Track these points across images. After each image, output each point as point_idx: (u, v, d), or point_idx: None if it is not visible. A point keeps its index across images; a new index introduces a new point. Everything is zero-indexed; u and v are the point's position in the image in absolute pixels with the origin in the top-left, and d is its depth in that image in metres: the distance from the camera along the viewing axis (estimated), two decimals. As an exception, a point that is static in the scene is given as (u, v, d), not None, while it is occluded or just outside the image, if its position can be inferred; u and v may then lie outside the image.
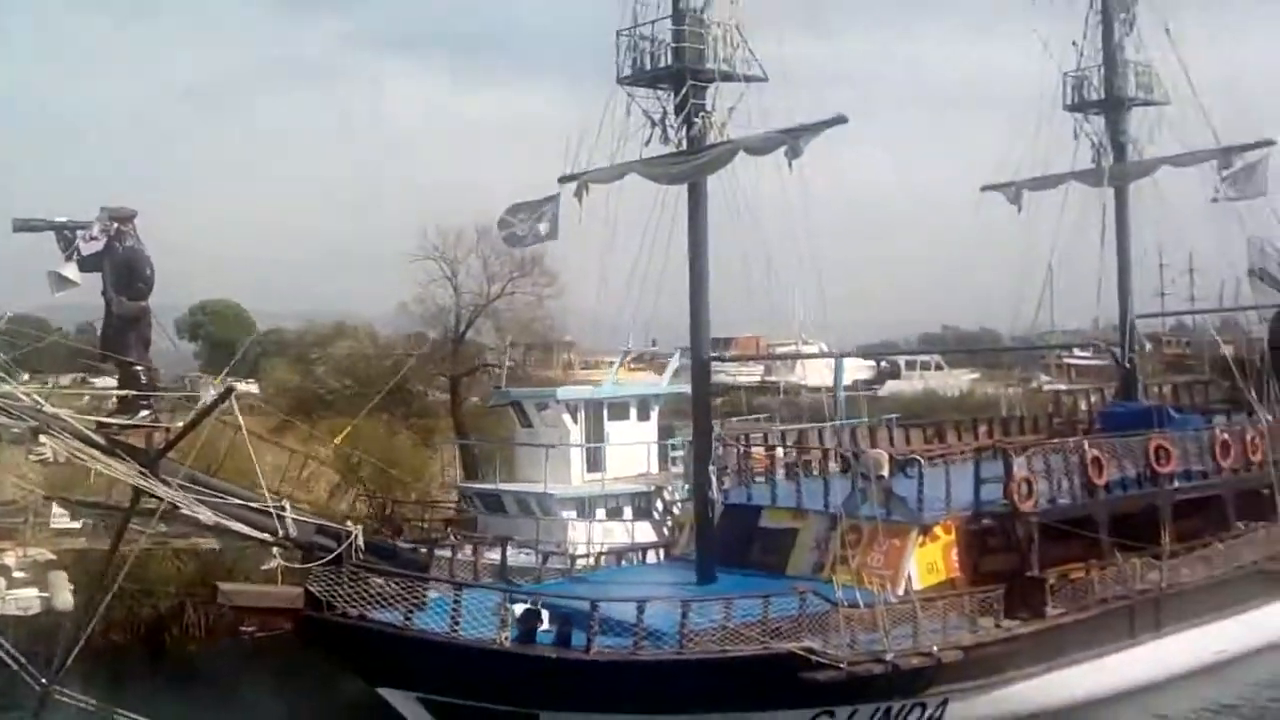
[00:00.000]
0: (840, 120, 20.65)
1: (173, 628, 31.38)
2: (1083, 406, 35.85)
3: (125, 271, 16.44)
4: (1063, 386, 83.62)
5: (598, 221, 24.84)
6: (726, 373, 58.82)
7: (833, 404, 25.05)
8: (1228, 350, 30.31)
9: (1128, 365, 31.99)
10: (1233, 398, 34.18)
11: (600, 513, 29.28)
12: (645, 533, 29.37)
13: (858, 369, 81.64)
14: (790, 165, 21.08)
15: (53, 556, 27.22)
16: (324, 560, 17.21)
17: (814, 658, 19.17)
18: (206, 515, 15.95)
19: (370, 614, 17.97)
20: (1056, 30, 32.39)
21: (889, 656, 19.96)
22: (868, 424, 32.49)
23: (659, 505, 30.13)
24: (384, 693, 19.06)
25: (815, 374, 46.21)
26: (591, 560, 25.80)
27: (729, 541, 24.07)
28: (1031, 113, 31.93)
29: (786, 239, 21.70)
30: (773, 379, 65.47)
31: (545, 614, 19.05)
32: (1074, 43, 32.61)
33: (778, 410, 40.47)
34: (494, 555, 24.61)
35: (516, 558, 25.27)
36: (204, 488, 16.85)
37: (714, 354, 30.50)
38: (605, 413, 30.59)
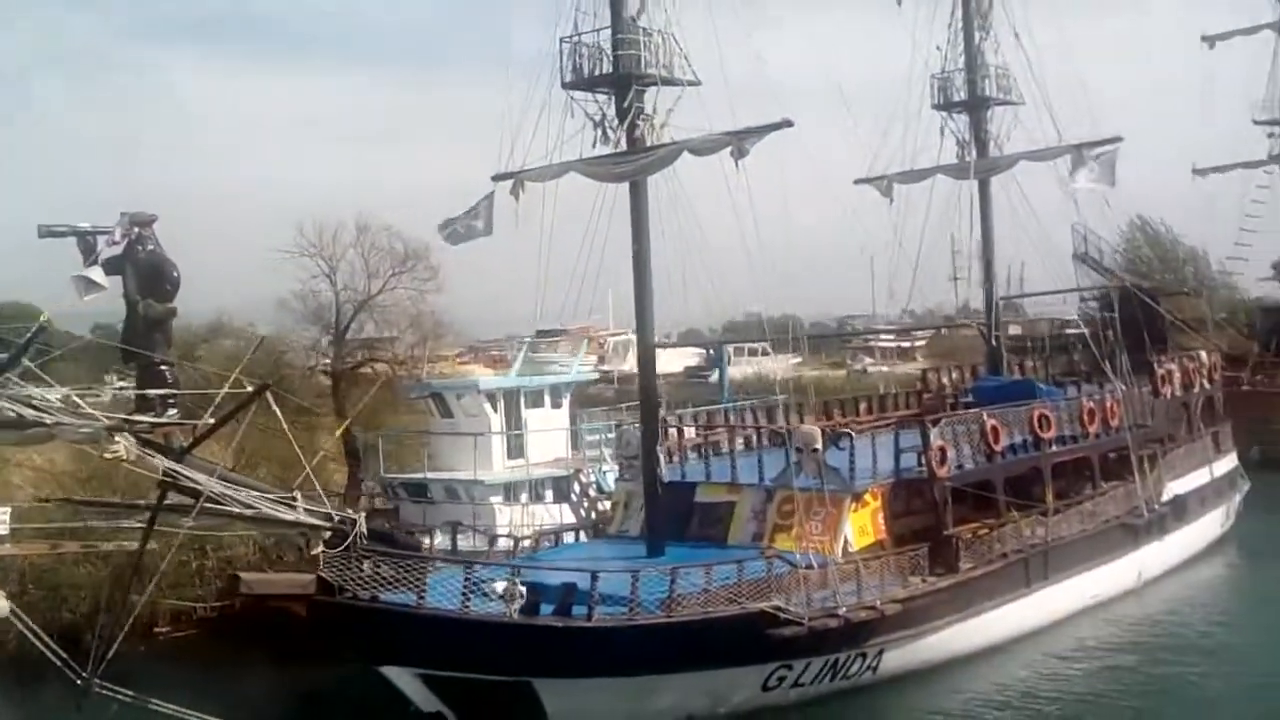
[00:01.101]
0: (786, 124, 22.57)
1: (88, 633, 31.14)
2: (944, 382, 38.95)
3: (151, 275, 16.97)
4: (885, 368, 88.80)
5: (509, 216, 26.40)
6: (560, 363, 60.48)
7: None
8: (1085, 329, 33.56)
9: (994, 343, 35.06)
10: (1073, 370, 37.94)
11: (524, 497, 30.54)
12: (565, 514, 30.76)
13: (687, 356, 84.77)
14: (737, 165, 22.83)
15: None
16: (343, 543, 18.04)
17: (781, 615, 21.07)
18: (242, 507, 16.66)
19: (381, 596, 18.93)
20: (921, 36, 35.32)
21: (842, 611, 22.05)
22: (759, 404, 34.84)
23: (576, 488, 31.52)
24: (387, 670, 19.97)
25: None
26: (531, 542, 27.04)
27: (667, 517, 25.75)
28: (900, 111, 34.79)
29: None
30: (607, 368, 67.70)
31: (523, 588, 20.33)
32: (938, 47, 35.56)
33: (613, 400, 42.41)
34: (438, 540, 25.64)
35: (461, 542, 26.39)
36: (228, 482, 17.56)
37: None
38: (522, 401, 31.83)
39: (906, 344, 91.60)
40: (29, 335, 15.05)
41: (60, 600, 30.17)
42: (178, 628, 31.75)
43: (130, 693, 17.98)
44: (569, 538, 28.34)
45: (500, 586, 20.50)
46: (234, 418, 16.71)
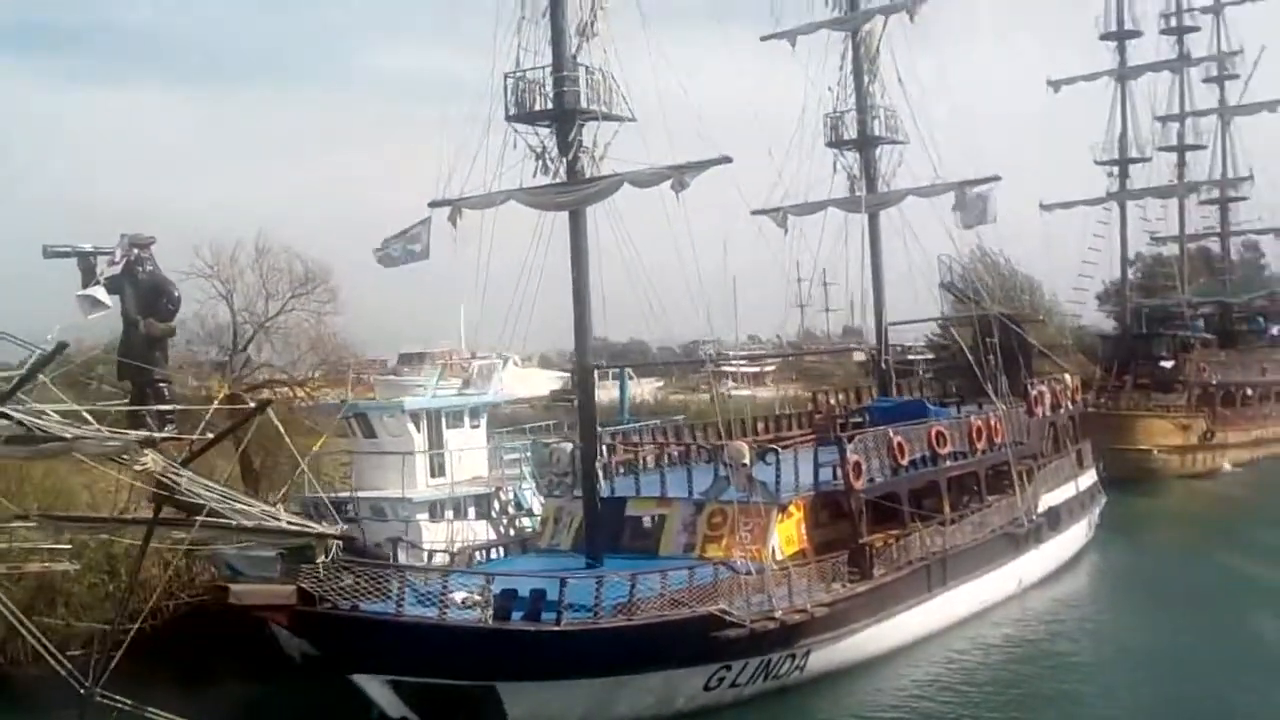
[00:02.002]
0: (725, 160, 24.24)
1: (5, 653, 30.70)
2: (832, 403, 41.18)
3: (151, 294, 17.60)
4: (745, 391, 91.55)
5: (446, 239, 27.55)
6: (424, 387, 61.25)
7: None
8: (967, 351, 36.11)
9: (884, 366, 37.39)
10: (946, 391, 40.60)
11: (449, 514, 31.34)
12: (485, 531, 31.70)
13: (551, 380, 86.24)
14: (678, 196, 24.40)
15: None
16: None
17: (727, 618, 22.57)
18: (242, 519, 17.30)
19: (359, 605, 19.75)
20: (814, 76, 37.58)
21: (778, 614, 23.67)
22: (663, 424, 36.51)
23: (496, 505, 32.50)
24: (357, 679, 20.71)
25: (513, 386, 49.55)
26: (465, 557, 27.90)
27: (600, 530, 26.99)
28: (794, 147, 36.93)
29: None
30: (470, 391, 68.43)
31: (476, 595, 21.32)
32: (830, 88, 37.86)
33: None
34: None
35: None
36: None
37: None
38: (444, 421, 32.64)
39: (757, 369, 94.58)
40: (50, 352, 15.47)
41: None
42: (89, 650, 31.54)
43: (130, 701, 18.39)
44: (492, 554, 29.32)
45: (459, 596, 21.49)
46: (234, 432, 17.39)
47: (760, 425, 38.00)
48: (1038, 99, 64.55)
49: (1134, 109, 64.43)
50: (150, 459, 15.69)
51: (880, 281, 37.78)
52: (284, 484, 34.47)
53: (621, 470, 29.74)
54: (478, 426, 33.91)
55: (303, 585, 19.57)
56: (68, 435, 15.68)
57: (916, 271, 35.77)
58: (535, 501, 33.25)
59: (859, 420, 36.67)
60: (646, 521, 27.35)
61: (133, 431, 15.75)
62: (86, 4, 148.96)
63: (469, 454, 33.00)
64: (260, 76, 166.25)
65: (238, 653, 27.58)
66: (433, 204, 27.43)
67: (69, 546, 28.07)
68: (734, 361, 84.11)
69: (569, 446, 28.93)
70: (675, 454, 30.39)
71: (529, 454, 33.75)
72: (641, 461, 30.46)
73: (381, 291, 34.59)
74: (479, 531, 31.48)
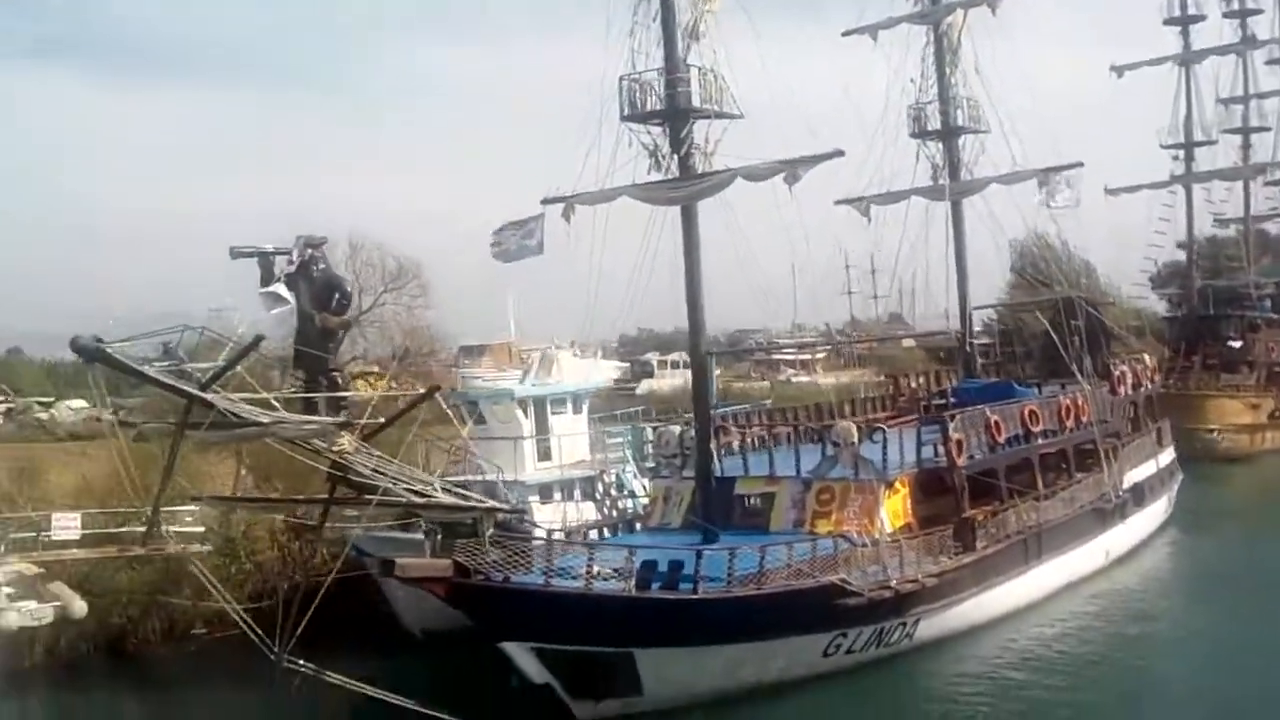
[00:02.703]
0: (838, 154, 25.50)
1: (133, 636, 32.42)
2: (913, 385, 42.30)
3: (325, 291, 19.08)
4: (805, 378, 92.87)
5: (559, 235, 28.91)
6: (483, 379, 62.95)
7: None
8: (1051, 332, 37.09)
9: (968, 349, 38.49)
10: (1023, 372, 41.53)
11: (557, 495, 32.84)
12: (591, 512, 33.15)
13: (607, 370, 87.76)
14: (790, 190, 25.67)
15: (39, 570, 28.64)
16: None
17: (847, 587, 23.87)
18: (416, 497, 18.80)
19: (511, 578, 21.21)
20: (898, 68, 38.68)
21: (893, 584, 24.95)
22: (753, 409, 37.81)
23: (600, 487, 33.93)
24: (506, 646, 22.16)
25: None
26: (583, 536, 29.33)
27: (708, 508, 28.35)
28: (877, 138, 38.02)
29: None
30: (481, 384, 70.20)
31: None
32: (911, 80, 38.95)
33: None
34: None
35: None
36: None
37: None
38: (549, 408, 34.14)
39: (806, 356, 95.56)
40: (247, 344, 16.99)
41: (111, 604, 31.50)
42: (213, 629, 33.32)
43: (313, 666, 20.08)
44: (602, 533, 30.73)
45: (595, 569, 22.88)
46: (407, 414, 18.87)
47: (846, 408, 39.17)
48: (1100, 86, 65.14)
49: (1198, 92, 64.94)
50: (346, 440, 17.20)
51: (964, 267, 38.86)
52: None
53: (725, 451, 31.05)
54: (580, 412, 35.38)
55: (458, 559, 21.04)
56: (266, 420, 17.24)
57: (989, 258, 36.70)
58: (636, 483, 34.71)
59: (941, 403, 37.81)
60: (755, 500, 28.64)
61: (325, 417, 17.17)
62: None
63: (573, 439, 34.47)
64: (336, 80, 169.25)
65: (359, 630, 29.54)
66: (545, 200, 28.83)
67: (202, 529, 30.07)
68: (819, 348, 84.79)
69: (677, 429, 30.37)
70: (783, 435, 31.62)
71: (629, 439, 35.28)
72: (747, 443, 31.74)
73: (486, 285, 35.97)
74: (585, 512, 32.94)
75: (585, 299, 28.06)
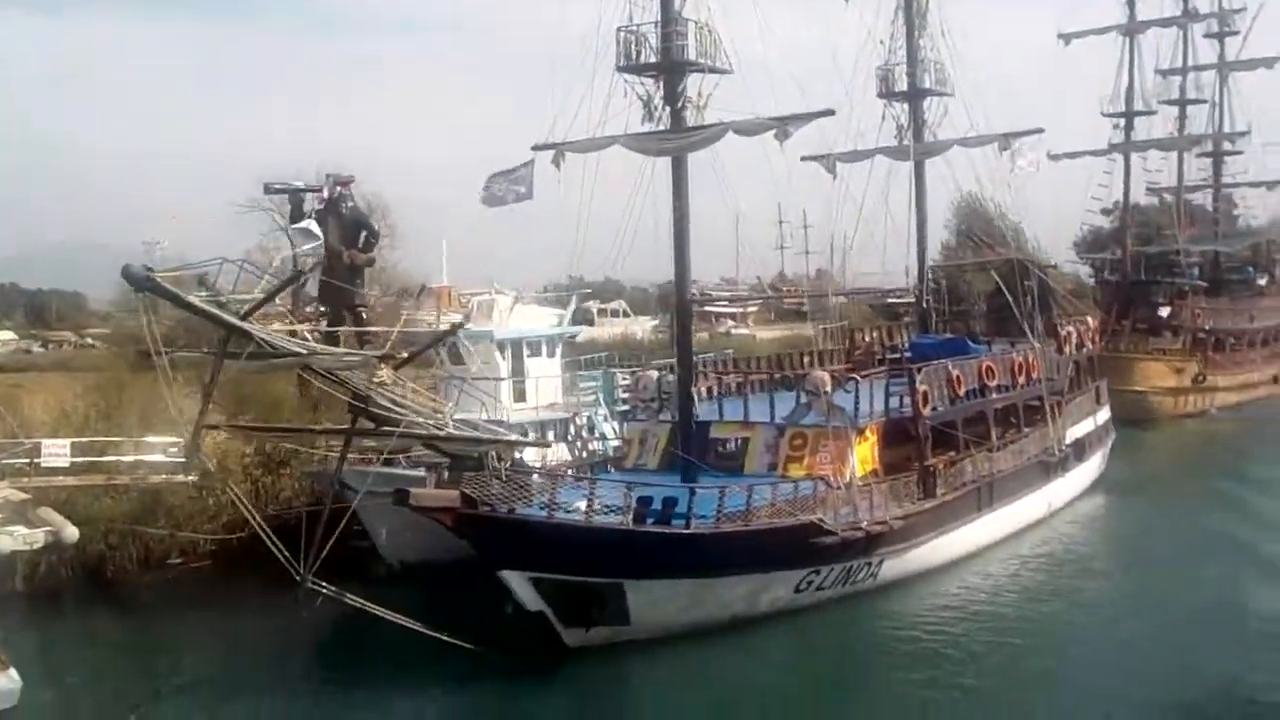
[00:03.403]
0: (828, 113, 26.54)
1: (111, 564, 32.86)
2: (868, 339, 43.75)
3: (353, 228, 19.78)
4: (745, 331, 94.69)
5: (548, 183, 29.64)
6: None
7: None
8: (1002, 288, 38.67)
9: (925, 305, 39.97)
10: (971, 330, 43.14)
11: (533, 436, 33.75)
12: (564, 453, 34.16)
13: (550, 316, 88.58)
14: (781, 146, 26.68)
15: (26, 496, 29.10)
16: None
17: (824, 525, 25.25)
18: (434, 429, 19.67)
19: (516, 509, 22.22)
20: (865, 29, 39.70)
21: (863, 525, 26.37)
22: (716, 357, 39.03)
23: (572, 430, 34.95)
24: (504, 575, 23.17)
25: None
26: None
27: (687, 451, 29.51)
28: (847, 97, 39.03)
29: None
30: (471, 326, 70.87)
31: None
32: (881, 41, 40.00)
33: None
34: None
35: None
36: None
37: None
38: (525, 350, 34.99)
39: (740, 309, 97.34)
40: (288, 278, 17.66)
41: (90, 532, 31.88)
42: (188, 559, 33.94)
43: (333, 588, 20.98)
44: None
45: (582, 504, 23.97)
46: (425, 352, 19.66)
47: (807, 359, 40.49)
48: (1047, 53, 66.80)
49: (1141, 63, 66.90)
50: (385, 372, 17.99)
51: (924, 226, 40.23)
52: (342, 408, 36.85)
53: (699, 397, 32.16)
54: (554, 356, 36.28)
55: (465, 490, 21.99)
56: (304, 351, 17.94)
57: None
58: (607, 426, 35.79)
59: (895, 357, 39.31)
60: (730, 444, 29.84)
61: (365, 351, 17.89)
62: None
63: (546, 382, 35.41)
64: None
65: (338, 561, 30.43)
66: (536, 147, 29.50)
67: (184, 460, 30.65)
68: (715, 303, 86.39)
69: (655, 374, 31.46)
70: (754, 383, 32.82)
71: (601, 383, 36.32)
72: (722, 389, 32.96)
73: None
74: (559, 454, 33.94)
75: (569, 244, 28.99)
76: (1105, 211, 77.99)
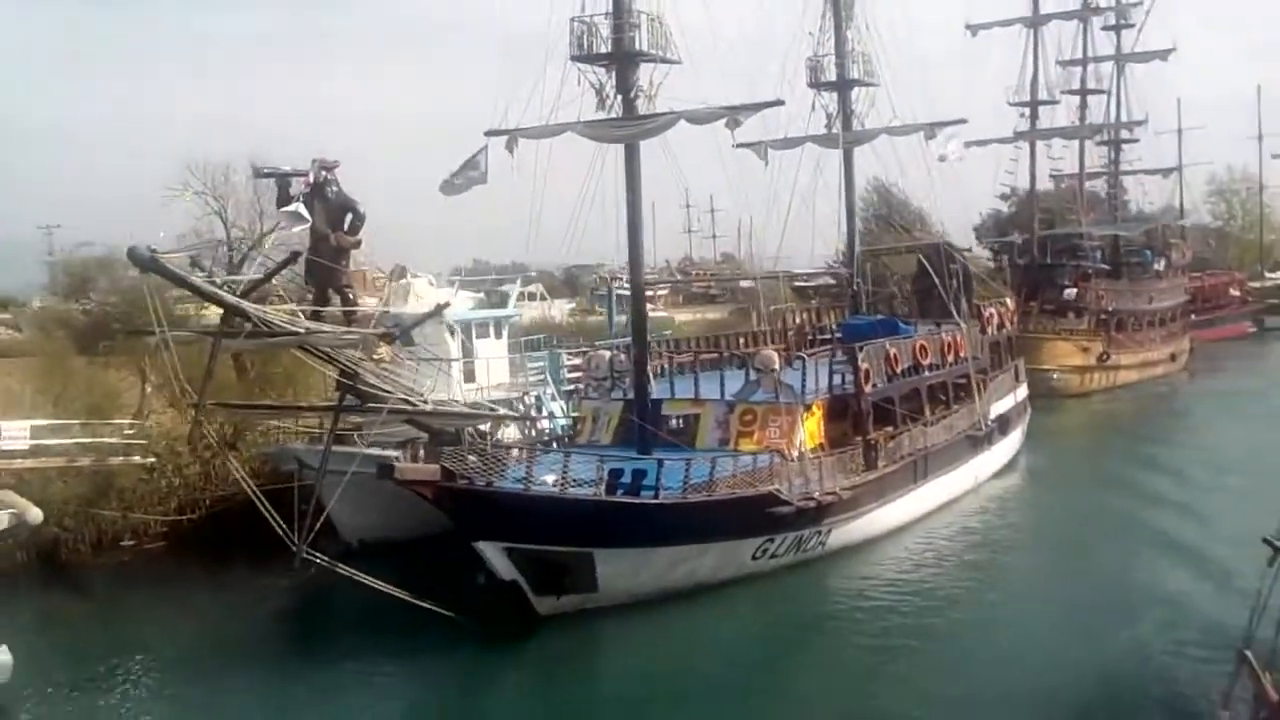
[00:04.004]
0: (778, 103, 27.81)
1: (65, 546, 32.97)
2: (798, 321, 45.31)
3: (339, 211, 20.47)
4: (662, 313, 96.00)
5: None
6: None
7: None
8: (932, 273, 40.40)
9: (856, 288, 41.57)
10: (893, 311, 44.89)
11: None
12: (513, 432, 35.03)
13: (465, 300, 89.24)
14: (732, 134, 27.87)
15: None
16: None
17: (780, 496, 26.54)
18: (422, 404, 20.49)
19: (492, 481, 23.10)
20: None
21: (815, 495, 27.73)
22: (655, 339, 40.16)
23: (520, 409, 35.81)
24: (479, 545, 24.03)
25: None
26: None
27: (634, 428, 30.59)
28: (779, 86, 40.40)
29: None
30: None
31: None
32: (810, 33, 41.44)
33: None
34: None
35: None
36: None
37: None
38: (474, 331, 35.76)
39: (650, 293, 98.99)
40: (283, 260, 18.30)
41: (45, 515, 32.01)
42: (141, 541, 34.19)
43: (326, 558, 21.67)
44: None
45: (550, 478, 24.96)
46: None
47: (741, 341, 41.91)
48: (954, 44, 69.03)
49: (1045, 54, 69.51)
50: (384, 350, 18.76)
51: (853, 211, 41.84)
52: (283, 386, 37.19)
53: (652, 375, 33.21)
54: (501, 337, 37.12)
55: (445, 464, 22.84)
56: (302, 330, 18.61)
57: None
58: (555, 405, 36.73)
59: (825, 337, 40.87)
60: (680, 420, 31.00)
61: (365, 330, 18.63)
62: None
63: (496, 363, 36.24)
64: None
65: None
66: (489, 133, 30.20)
67: (145, 442, 31.09)
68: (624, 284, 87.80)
69: (607, 354, 32.48)
70: (704, 361, 34.04)
71: (548, 363, 37.26)
72: (673, 367, 34.16)
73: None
74: (509, 433, 34.80)
75: (520, 228, 29.87)
76: (1003, 197, 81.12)
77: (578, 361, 37.75)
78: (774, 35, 40.96)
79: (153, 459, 31.15)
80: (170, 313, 41.54)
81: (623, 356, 31.88)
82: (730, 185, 28.67)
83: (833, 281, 61.01)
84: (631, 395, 31.34)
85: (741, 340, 41.79)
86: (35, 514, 28.36)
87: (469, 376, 35.53)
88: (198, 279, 17.93)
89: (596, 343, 36.62)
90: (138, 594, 30.17)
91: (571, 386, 37.12)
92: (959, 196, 70.07)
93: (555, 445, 32.64)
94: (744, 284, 71.43)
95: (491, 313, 36.78)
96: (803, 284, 66.22)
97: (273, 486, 33.54)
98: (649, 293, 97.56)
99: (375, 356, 18.99)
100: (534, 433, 35.47)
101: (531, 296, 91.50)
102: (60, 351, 36.04)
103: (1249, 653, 14.01)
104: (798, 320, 45.26)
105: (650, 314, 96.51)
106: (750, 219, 41.25)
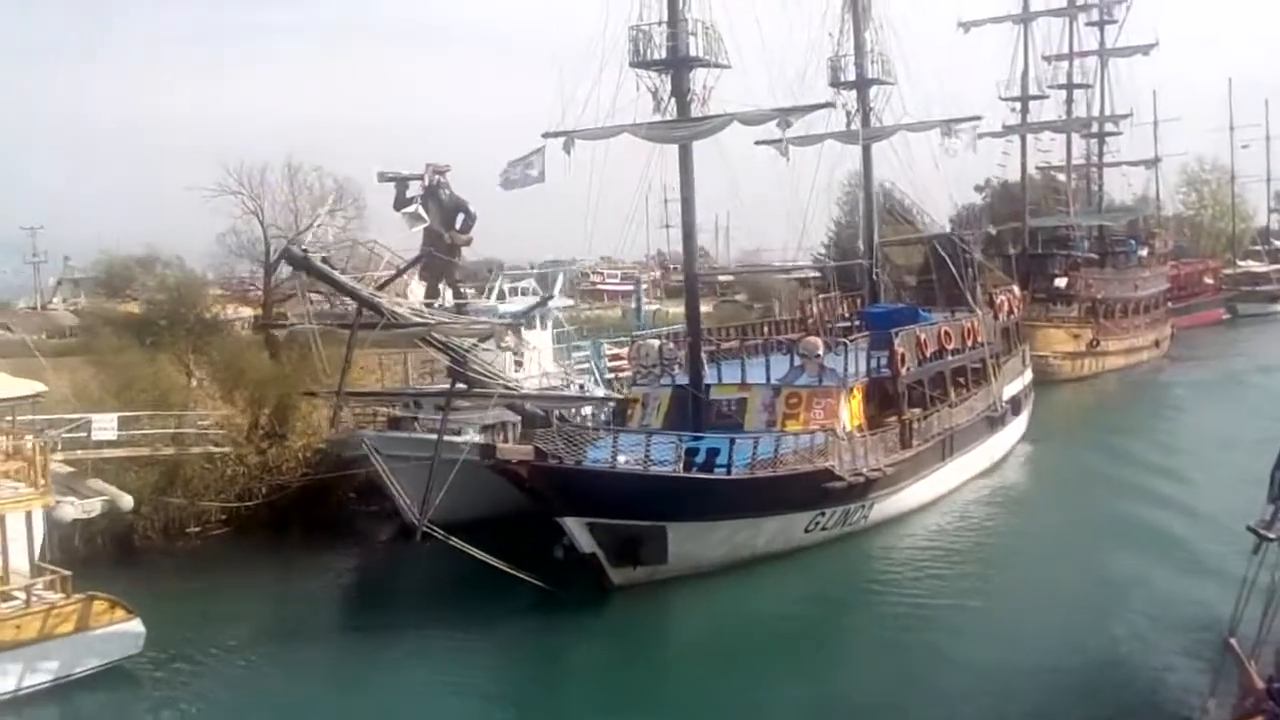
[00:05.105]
0: (829, 105, 29.69)
1: (137, 533, 34.44)
2: (814, 311, 47.24)
3: (452, 212, 22.24)
4: (656, 306, 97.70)
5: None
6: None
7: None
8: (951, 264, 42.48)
9: (875, 278, 43.60)
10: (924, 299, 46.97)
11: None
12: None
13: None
14: (783, 133, 29.75)
15: (71, 468, 30.98)
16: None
17: (834, 471, 28.53)
18: (537, 392, 22.27)
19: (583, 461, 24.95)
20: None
21: (864, 471, 29.74)
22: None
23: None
24: (564, 520, 25.87)
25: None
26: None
27: (684, 412, 32.49)
28: (800, 85, 42.34)
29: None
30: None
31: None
32: (830, 34, 43.40)
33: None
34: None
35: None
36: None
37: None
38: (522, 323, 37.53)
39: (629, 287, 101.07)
40: (415, 258, 20.01)
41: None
42: (206, 528, 35.74)
43: (442, 532, 23.46)
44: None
45: (622, 459, 26.81)
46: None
47: (766, 329, 43.84)
48: (945, 40, 71.11)
49: (1034, 50, 71.80)
50: (511, 338, 20.54)
51: (871, 205, 43.78)
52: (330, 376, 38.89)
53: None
54: (546, 329, 38.87)
55: (538, 445, 24.67)
56: (431, 321, 20.35)
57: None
58: (598, 392, 38.56)
59: (845, 325, 42.85)
60: (729, 404, 32.89)
61: (493, 320, 20.37)
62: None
63: (545, 351, 38.02)
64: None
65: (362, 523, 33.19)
66: (546, 135, 31.94)
67: (224, 431, 32.82)
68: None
69: (656, 343, 34.35)
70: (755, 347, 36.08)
71: (591, 352, 39.11)
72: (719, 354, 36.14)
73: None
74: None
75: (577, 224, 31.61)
76: (978, 188, 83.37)
77: (617, 351, 39.56)
78: (795, 38, 42.82)
79: (226, 448, 32.73)
80: (207, 309, 43.81)
81: (670, 345, 33.71)
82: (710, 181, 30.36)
83: (817, 273, 63.63)
84: (680, 381, 33.22)
85: (766, 329, 43.72)
86: (126, 500, 29.97)
87: (517, 366, 37.30)
88: (340, 275, 19.59)
89: (634, 333, 38.43)
90: (221, 574, 31.67)
91: (611, 375, 38.93)
92: (943, 189, 72.64)
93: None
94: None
95: (539, 306, 38.48)
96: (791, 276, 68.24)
97: (325, 476, 35.61)
98: (627, 287, 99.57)
99: (503, 345, 20.74)
100: (579, 418, 37.33)
101: (524, 291, 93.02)
102: (121, 348, 37.45)
103: (1233, 640, 14.01)
104: (816, 309, 47.11)
105: (645, 306, 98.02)
106: (727, 214, 42.88)
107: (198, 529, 35.59)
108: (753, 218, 40.96)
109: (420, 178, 21.83)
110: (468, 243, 22.40)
